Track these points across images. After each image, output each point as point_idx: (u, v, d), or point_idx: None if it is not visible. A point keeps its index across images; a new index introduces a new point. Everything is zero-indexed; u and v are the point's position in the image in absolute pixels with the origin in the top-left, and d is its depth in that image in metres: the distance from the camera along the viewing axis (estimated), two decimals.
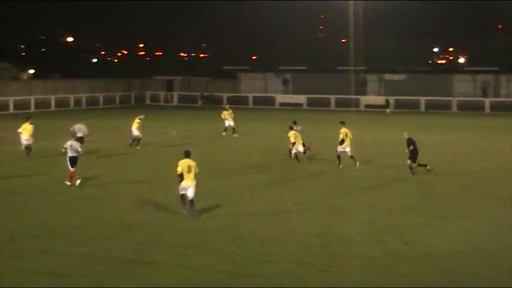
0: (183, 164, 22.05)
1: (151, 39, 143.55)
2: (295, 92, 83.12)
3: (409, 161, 30.26)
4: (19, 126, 37.43)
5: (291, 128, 34.51)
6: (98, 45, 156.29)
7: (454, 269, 16.86)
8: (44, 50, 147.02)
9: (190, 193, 21.95)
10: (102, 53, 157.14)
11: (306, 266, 16.95)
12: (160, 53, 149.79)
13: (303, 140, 34.54)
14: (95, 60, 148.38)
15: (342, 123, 33.16)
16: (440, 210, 23.41)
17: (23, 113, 59.95)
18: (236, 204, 24.16)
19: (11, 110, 67.52)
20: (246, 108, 74.65)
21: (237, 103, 77.78)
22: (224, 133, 46.58)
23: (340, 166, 32.23)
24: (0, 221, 21.38)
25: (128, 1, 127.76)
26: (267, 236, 19.80)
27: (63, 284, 15.51)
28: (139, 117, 41.35)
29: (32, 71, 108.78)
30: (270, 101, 79.97)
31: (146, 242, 18.97)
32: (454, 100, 75.17)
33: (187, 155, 22.36)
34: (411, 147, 30.00)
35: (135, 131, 40.79)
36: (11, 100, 69.09)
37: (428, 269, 16.86)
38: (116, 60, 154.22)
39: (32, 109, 68.16)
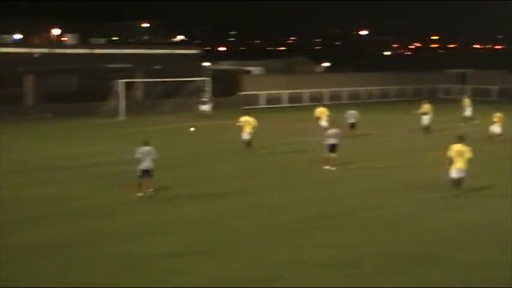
0: (453, 149, 23.36)
1: (446, 32, 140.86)
2: None
3: None
4: (315, 117, 40.51)
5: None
6: (392, 38, 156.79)
7: None
8: (338, 43, 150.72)
9: (458, 174, 23.18)
10: (395, 46, 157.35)
11: None
12: (454, 45, 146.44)
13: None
14: (387, 53, 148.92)
15: None
16: None
17: (317, 105, 62.28)
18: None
19: (305, 102, 70.19)
20: None
21: None
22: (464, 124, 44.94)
23: None
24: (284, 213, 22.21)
25: None
26: None
27: (355, 276, 15.57)
28: (424, 106, 42.78)
29: (326, 64, 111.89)
30: None
31: (421, 238, 18.62)
32: None
33: (460, 140, 23.57)
34: None
35: (425, 120, 42.51)
36: (305, 92, 71.86)
37: None
38: (408, 53, 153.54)
39: (325, 101, 70.08)
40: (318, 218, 20.97)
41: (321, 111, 41.21)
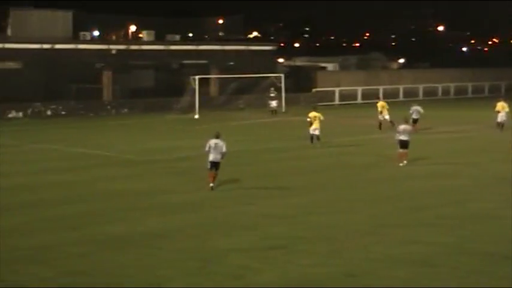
0: None
1: None
2: None
3: None
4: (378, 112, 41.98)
5: None
6: (468, 34, 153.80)
7: None
8: (414, 39, 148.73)
9: None
10: (472, 41, 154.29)
11: None
12: None
13: None
14: (464, 49, 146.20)
15: None
16: None
17: (391, 102, 61.84)
18: None
19: (381, 98, 69.34)
20: None
21: None
22: None
23: None
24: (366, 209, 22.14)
25: None
26: None
27: (431, 274, 15.31)
28: (498, 103, 42.69)
29: (401, 61, 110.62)
30: None
31: (500, 236, 18.09)
32: None
33: None
34: None
35: (499, 117, 42.24)
36: (381, 89, 71.14)
37: None
38: (486, 49, 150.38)
39: (400, 98, 69.35)
40: (392, 215, 20.76)
41: (382, 105, 42.64)
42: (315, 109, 36.76)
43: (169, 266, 15.70)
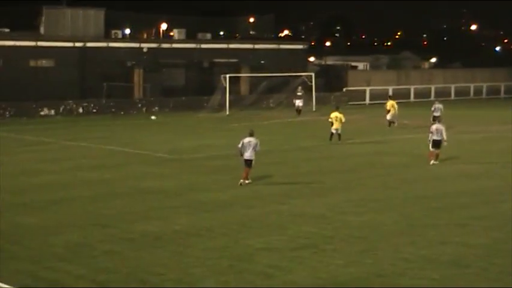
0: None
1: None
2: None
3: None
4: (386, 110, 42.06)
5: None
6: (501, 33, 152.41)
7: None
8: (446, 39, 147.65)
9: None
10: (505, 41, 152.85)
11: None
12: None
13: None
14: (497, 48, 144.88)
15: None
16: None
17: (422, 102, 61.66)
18: None
19: (411, 98, 69.11)
20: None
21: None
22: None
23: None
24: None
25: None
26: None
27: (462, 275, 15.21)
28: None
29: (433, 60, 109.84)
30: None
31: None
32: None
33: None
34: None
35: None
36: (412, 88, 70.74)
37: None
38: None
39: (432, 98, 68.77)
40: (424, 215, 20.63)
41: (391, 104, 43.47)
42: (337, 109, 37.35)
43: (200, 265, 15.75)
